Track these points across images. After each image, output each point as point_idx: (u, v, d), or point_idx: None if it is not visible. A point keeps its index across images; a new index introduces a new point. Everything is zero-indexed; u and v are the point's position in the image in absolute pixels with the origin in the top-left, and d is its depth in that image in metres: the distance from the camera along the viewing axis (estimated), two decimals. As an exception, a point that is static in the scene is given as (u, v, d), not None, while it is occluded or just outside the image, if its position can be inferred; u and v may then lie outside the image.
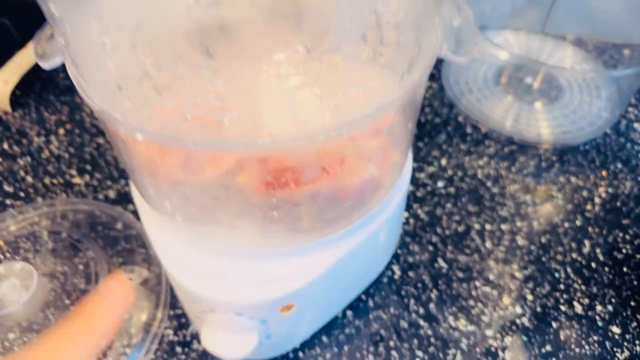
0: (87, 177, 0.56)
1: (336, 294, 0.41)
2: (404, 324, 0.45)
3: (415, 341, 0.44)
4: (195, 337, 0.44)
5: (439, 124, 0.64)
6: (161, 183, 0.35)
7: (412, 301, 0.47)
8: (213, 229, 0.35)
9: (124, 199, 0.54)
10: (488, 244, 0.52)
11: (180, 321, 0.45)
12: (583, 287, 0.49)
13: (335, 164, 0.31)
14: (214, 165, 0.32)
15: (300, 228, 0.35)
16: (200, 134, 0.25)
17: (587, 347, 0.45)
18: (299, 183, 0.31)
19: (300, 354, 0.43)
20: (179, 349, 0.44)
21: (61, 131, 0.61)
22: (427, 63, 0.28)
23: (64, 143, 0.60)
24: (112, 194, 0.55)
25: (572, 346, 0.45)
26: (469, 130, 0.63)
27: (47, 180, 0.56)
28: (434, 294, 0.48)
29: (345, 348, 0.44)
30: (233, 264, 0.35)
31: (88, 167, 0.57)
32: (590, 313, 0.47)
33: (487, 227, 0.53)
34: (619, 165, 0.60)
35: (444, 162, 0.59)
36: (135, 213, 0.52)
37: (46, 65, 0.26)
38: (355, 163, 0.31)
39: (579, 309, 0.47)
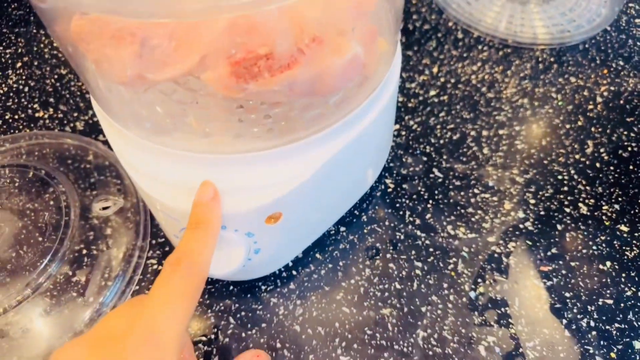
0: (50, 110, 0.52)
1: (326, 203, 0.38)
2: (400, 236, 0.43)
3: (413, 252, 0.42)
4: (180, 264, 0.41)
5: (428, 31, 0.59)
6: (120, 87, 0.31)
7: (407, 213, 0.44)
8: (184, 137, 0.31)
9: (94, 130, 0.50)
10: (485, 150, 0.48)
11: (164, 249, 0.42)
12: (588, 188, 0.46)
13: (313, 43, 0.27)
14: (176, 61, 0.28)
15: (280, 130, 0.31)
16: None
17: (594, 247, 0.42)
18: (273, 70, 0.28)
19: (294, 272, 0.41)
20: (163, 278, 0.41)
21: (18, 64, 0.56)
22: None
23: (22, 76, 0.55)
24: (80, 125, 0.51)
25: (580, 247, 0.42)
26: (460, 35, 0.59)
27: (7, 116, 0.52)
28: (430, 205, 0.45)
29: (341, 263, 0.41)
30: (210, 172, 0.31)
31: (51, 100, 0.53)
32: (596, 213, 0.44)
33: (484, 133, 0.50)
34: (621, 63, 0.56)
35: (435, 70, 0.55)
36: (107, 143, 0.48)
37: None
38: (335, 41, 0.27)
39: (584, 209, 0.45)
